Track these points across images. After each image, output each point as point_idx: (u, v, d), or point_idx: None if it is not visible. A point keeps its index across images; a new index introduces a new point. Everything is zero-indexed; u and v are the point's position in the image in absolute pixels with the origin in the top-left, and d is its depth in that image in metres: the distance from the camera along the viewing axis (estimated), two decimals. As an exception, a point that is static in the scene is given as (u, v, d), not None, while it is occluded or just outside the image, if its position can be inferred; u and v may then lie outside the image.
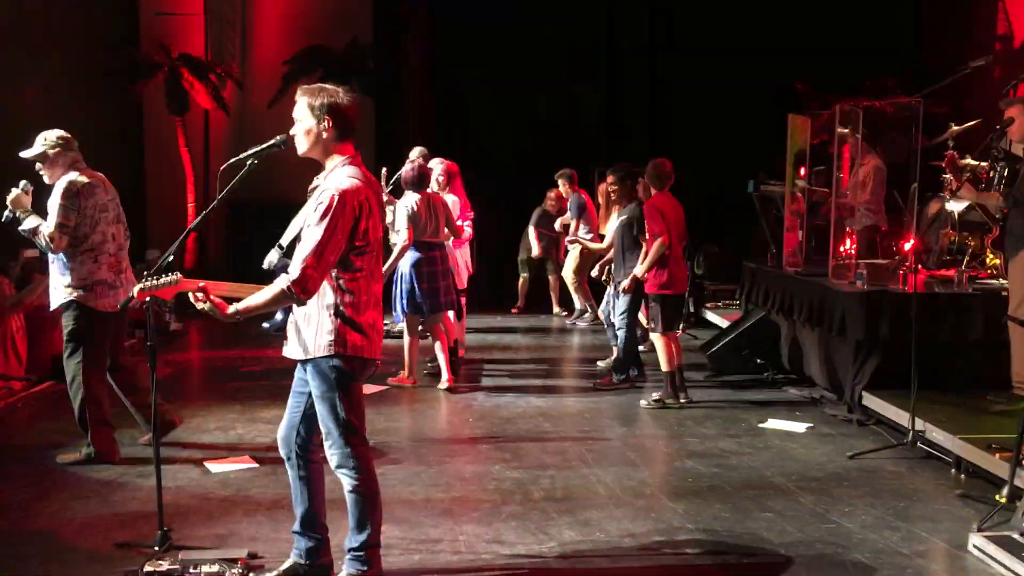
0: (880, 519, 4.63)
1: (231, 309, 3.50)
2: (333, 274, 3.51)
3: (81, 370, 5.32)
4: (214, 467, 5.39)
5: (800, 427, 6.33)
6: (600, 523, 4.58)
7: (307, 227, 3.45)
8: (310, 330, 3.56)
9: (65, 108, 13.33)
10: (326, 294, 3.53)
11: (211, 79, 13.86)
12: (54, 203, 5.19)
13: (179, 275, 3.53)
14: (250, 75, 14.93)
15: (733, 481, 5.24)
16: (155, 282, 3.55)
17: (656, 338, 6.94)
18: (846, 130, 7.93)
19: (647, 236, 7.06)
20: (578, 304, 10.81)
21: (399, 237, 7.22)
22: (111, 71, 13.54)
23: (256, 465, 5.43)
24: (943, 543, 4.35)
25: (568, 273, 10.60)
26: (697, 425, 6.43)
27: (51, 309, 5.44)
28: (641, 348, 8.07)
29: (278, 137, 3.68)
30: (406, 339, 7.50)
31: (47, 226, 5.17)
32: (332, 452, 3.64)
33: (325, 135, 3.56)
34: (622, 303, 7.34)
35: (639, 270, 6.95)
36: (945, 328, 6.50)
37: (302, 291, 3.42)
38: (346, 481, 3.67)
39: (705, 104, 14.99)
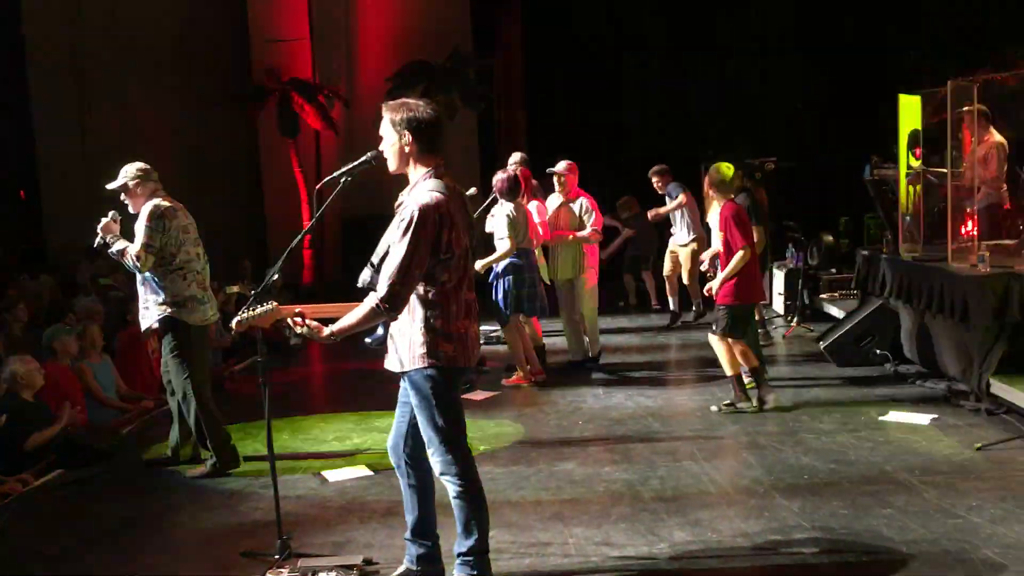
0: (1011, 513, 4.41)
1: (327, 331, 3.61)
2: (420, 287, 3.57)
3: (190, 385, 5.62)
4: (332, 476, 5.57)
5: (924, 419, 6.08)
6: (711, 523, 4.52)
7: (392, 244, 3.52)
8: (404, 343, 3.65)
9: (184, 137, 14.06)
10: (415, 308, 3.59)
11: (320, 100, 14.32)
12: (140, 226, 5.53)
13: (274, 303, 3.66)
14: (356, 93, 15.32)
15: (851, 477, 5.08)
16: (251, 313, 3.69)
17: (715, 341, 6.58)
18: (964, 108, 7.56)
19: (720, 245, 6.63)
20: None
21: (501, 245, 7.40)
22: (227, 98, 14.17)
23: (371, 473, 5.57)
24: (1080, 537, 4.11)
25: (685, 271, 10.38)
26: (813, 420, 6.25)
27: (144, 329, 5.75)
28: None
29: (369, 154, 3.78)
30: (510, 340, 7.69)
31: (134, 247, 5.49)
32: (435, 460, 3.72)
33: (407, 149, 3.63)
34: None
35: (716, 283, 6.55)
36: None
37: (391, 308, 3.50)
38: (451, 488, 3.73)
39: (812, 86, 14.62)
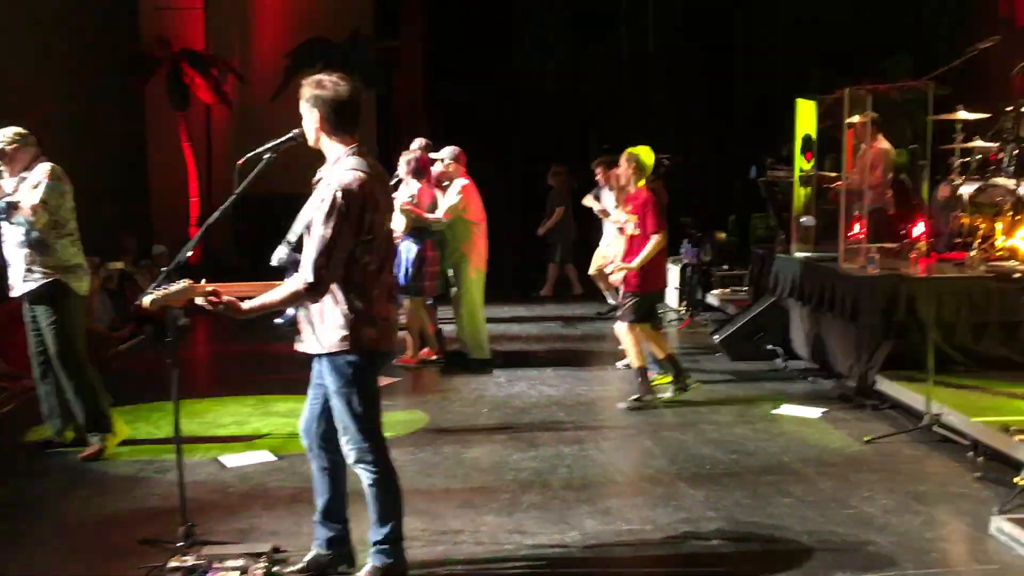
0: (901, 503, 4.63)
1: (245, 306, 3.49)
2: (342, 269, 3.47)
3: (79, 355, 5.43)
4: (230, 461, 5.39)
5: (815, 412, 6.32)
6: (621, 511, 4.59)
7: (313, 225, 3.42)
8: (323, 326, 3.55)
9: (66, 103, 13.34)
10: (336, 290, 3.50)
11: (212, 73, 13.84)
12: (34, 184, 5.25)
13: (188, 281, 3.51)
14: (251, 69, 14.88)
15: (751, 468, 5.24)
16: (165, 292, 3.52)
17: (623, 330, 6.59)
18: (855, 119, 7.87)
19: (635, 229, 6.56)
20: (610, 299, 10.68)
21: (400, 222, 7.40)
22: (112, 66, 13.50)
23: (273, 458, 5.43)
24: (965, 526, 4.35)
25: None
26: (711, 412, 6.42)
27: (20, 294, 5.41)
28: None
29: (295, 131, 3.65)
30: (418, 319, 7.84)
31: (28, 201, 5.20)
32: (349, 448, 3.63)
33: (318, 126, 3.54)
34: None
35: (632, 265, 6.47)
36: (959, 310, 6.50)
37: (316, 291, 3.41)
38: (365, 476, 3.66)
39: (705, 88, 15.03)
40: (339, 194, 3.38)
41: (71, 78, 13.24)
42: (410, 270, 7.55)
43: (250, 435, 5.94)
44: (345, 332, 3.51)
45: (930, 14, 13.50)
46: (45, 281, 5.33)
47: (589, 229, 10.50)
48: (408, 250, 7.56)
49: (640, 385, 6.60)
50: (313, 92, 3.52)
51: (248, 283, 3.76)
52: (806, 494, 4.79)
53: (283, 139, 3.68)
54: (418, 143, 8.34)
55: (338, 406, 3.61)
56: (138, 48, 14.06)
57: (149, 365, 8.11)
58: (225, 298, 3.49)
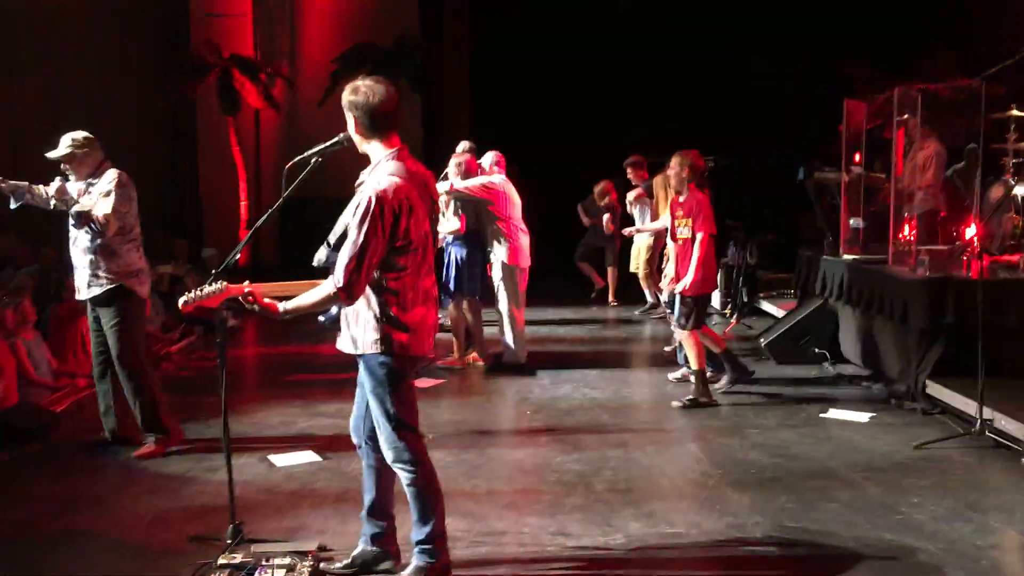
0: (951, 510, 4.56)
1: (281, 308, 3.55)
2: (377, 273, 3.51)
3: (141, 358, 5.58)
4: (279, 461, 5.47)
5: (863, 417, 6.24)
6: (665, 515, 4.57)
7: (349, 230, 3.46)
8: (359, 327, 3.60)
9: (121, 109, 13.62)
10: (371, 294, 3.54)
11: (261, 78, 14.06)
12: (104, 191, 5.37)
13: (224, 283, 3.56)
14: (300, 73, 15.08)
15: (797, 472, 5.18)
16: (198, 293, 3.58)
17: (685, 336, 6.64)
18: (904, 117, 7.75)
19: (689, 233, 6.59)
20: (649, 297, 10.68)
21: (453, 222, 7.48)
22: (164, 73, 13.78)
23: (319, 459, 5.50)
24: (1019, 535, 4.27)
25: (640, 264, 10.43)
26: (757, 416, 6.37)
27: (88, 298, 5.54)
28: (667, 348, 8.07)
29: (342, 135, 3.69)
30: (464, 321, 7.94)
31: (101, 210, 5.32)
32: (386, 447, 3.68)
33: (356, 130, 3.59)
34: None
35: (688, 278, 6.50)
36: (1011, 314, 6.37)
37: (347, 295, 3.45)
38: (403, 476, 3.70)
39: (754, 88, 14.90)
40: (373, 200, 3.41)
41: (124, 83, 13.52)
42: (458, 273, 7.62)
43: (297, 435, 6.02)
44: (377, 335, 3.56)
45: (980, 12, 13.26)
46: (111, 286, 5.46)
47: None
48: (457, 250, 7.63)
49: (698, 387, 6.57)
50: (349, 98, 3.57)
51: (286, 283, 3.81)
52: (853, 500, 4.73)
53: (330, 143, 3.73)
54: (464, 146, 8.41)
55: (374, 406, 3.67)
56: (189, 54, 14.33)
57: (200, 366, 8.27)
58: (264, 300, 3.56)
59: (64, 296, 7.98)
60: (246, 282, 3.62)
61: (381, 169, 3.55)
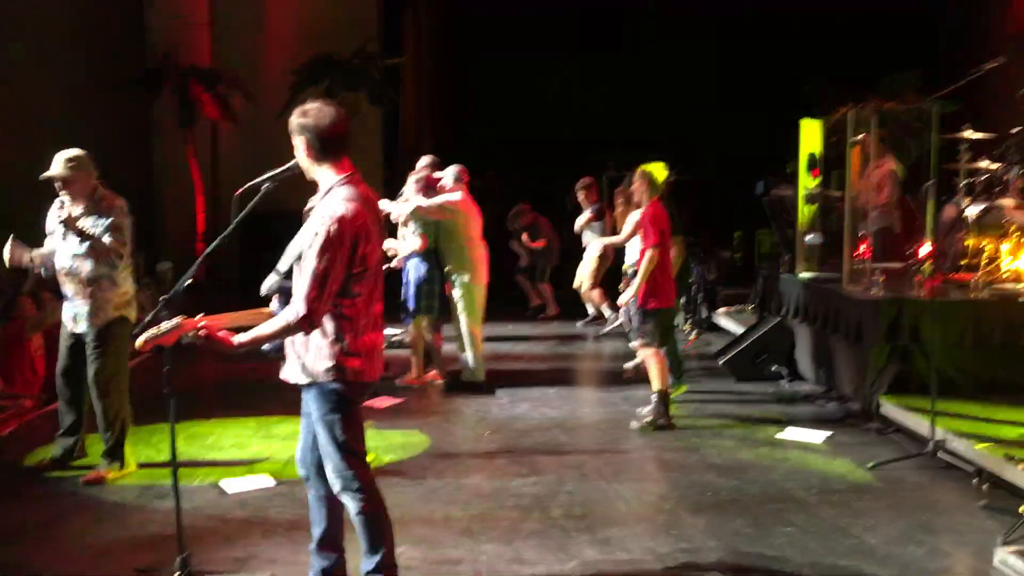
0: (904, 533, 4.59)
1: (236, 340, 3.49)
2: (333, 301, 3.46)
3: (124, 384, 5.51)
4: (231, 486, 5.37)
5: (819, 436, 6.27)
6: (621, 541, 4.55)
7: (306, 258, 3.40)
8: (309, 355, 3.54)
9: (74, 120, 13.38)
10: (325, 320, 3.49)
11: (219, 90, 13.87)
12: (112, 221, 5.29)
13: (179, 319, 3.50)
14: (259, 85, 14.89)
15: (753, 494, 5.19)
16: (156, 331, 3.52)
17: (648, 355, 6.57)
18: (859, 136, 7.84)
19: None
20: (591, 310, 10.75)
21: (413, 241, 7.43)
22: (119, 82, 13.55)
23: (274, 483, 5.41)
24: (969, 557, 4.31)
25: (584, 278, 10.46)
26: (714, 436, 6.38)
27: (96, 326, 5.38)
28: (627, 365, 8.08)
29: (293, 161, 3.63)
30: (422, 340, 7.84)
31: (111, 240, 5.26)
32: (333, 476, 3.61)
33: (305, 155, 3.53)
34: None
35: (632, 290, 6.54)
36: (964, 333, 6.45)
37: (309, 324, 3.40)
38: (351, 504, 3.64)
39: (712, 105, 15.04)
40: (333, 228, 3.36)
41: (78, 94, 13.30)
42: (417, 291, 7.55)
43: (250, 459, 5.92)
44: (331, 363, 3.51)
45: (942, 31, 13.50)
46: (114, 317, 5.35)
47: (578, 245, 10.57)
48: (416, 269, 7.56)
49: (656, 408, 6.50)
50: (298, 121, 3.51)
51: (241, 313, 3.75)
52: (808, 523, 4.75)
53: (281, 170, 3.68)
54: (425, 161, 8.36)
55: (321, 434, 3.60)
56: (145, 64, 14.11)
57: (153, 385, 8.08)
58: (219, 334, 3.50)
59: (12, 316, 7.81)
60: (200, 315, 3.55)
61: (336, 195, 3.48)
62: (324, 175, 3.55)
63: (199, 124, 14.09)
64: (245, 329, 3.52)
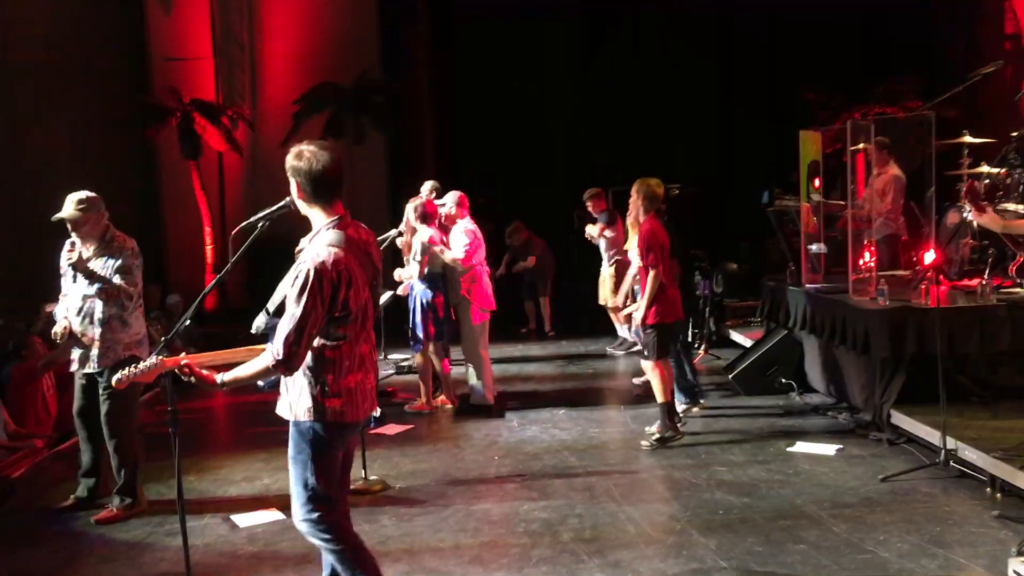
0: (916, 546, 4.55)
1: (219, 379, 3.51)
2: (315, 342, 3.46)
3: (133, 427, 5.57)
4: (241, 520, 5.39)
5: (830, 449, 6.24)
6: (631, 563, 4.53)
7: (287, 301, 3.41)
8: (293, 393, 3.55)
9: (81, 157, 13.52)
10: (308, 361, 3.49)
11: (223, 122, 13.98)
12: (124, 264, 5.36)
13: (159, 358, 3.53)
14: (262, 115, 15.04)
15: (765, 512, 5.16)
16: (133, 370, 3.55)
17: (649, 367, 6.59)
18: (860, 146, 7.84)
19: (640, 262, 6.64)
20: (620, 332, 10.61)
21: (412, 267, 7.45)
22: (124, 119, 13.69)
23: (283, 517, 5.40)
24: (982, 569, 4.26)
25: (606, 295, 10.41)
26: (724, 452, 6.35)
27: (106, 366, 5.40)
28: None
29: (288, 199, 3.66)
30: (431, 365, 7.82)
31: (124, 284, 5.33)
32: (300, 520, 3.59)
33: (298, 196, 3.55)
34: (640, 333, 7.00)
35: (640, 309, 6.55)
36: (971, 340, 6.41)
37: (287, 368, 3.40)
38: (322, 547, 3.62)
39: (713, 116, 15.05)
40: (312, 273, 3.36)
41: (84, 133, 13.43)
42: (424, 317, 7.59)
43: (261, 493, 5.93)
44: (310, 403, 3.51)
45: (939, 34, 13.49)
46: (124, 357, 5.35)
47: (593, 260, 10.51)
48: (422, 295, 7.59)
49: (663, 422, 6.52)
50: (292, 163, 3.53)
51: (225, 351, 3.76)
52: (820, 539, 4.72)
53: (275, 208, 3.71)
54: (427, 187, 8.43)
55: (293, 473, 3.59)
56: (149, 100, 14.25)
57: (163, 419, 8.12)
58: (197, 371, 3.53)
59: (24, 355, 7.86)
60: (183, 354, 3.58)
61: (320, 239, 3.49)
62: (315, 217, 3.56)
63: (204, 156, 14.19)
64: (232, 366, 3.53)
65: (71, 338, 5.47)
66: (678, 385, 7.11)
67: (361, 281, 3.49)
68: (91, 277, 5.29)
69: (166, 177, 15.06)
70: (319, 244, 3.46)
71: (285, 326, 3.37)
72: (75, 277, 5.39)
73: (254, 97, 15.18)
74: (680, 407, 7.15)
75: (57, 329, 5.44)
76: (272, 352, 3.40)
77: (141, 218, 14.82)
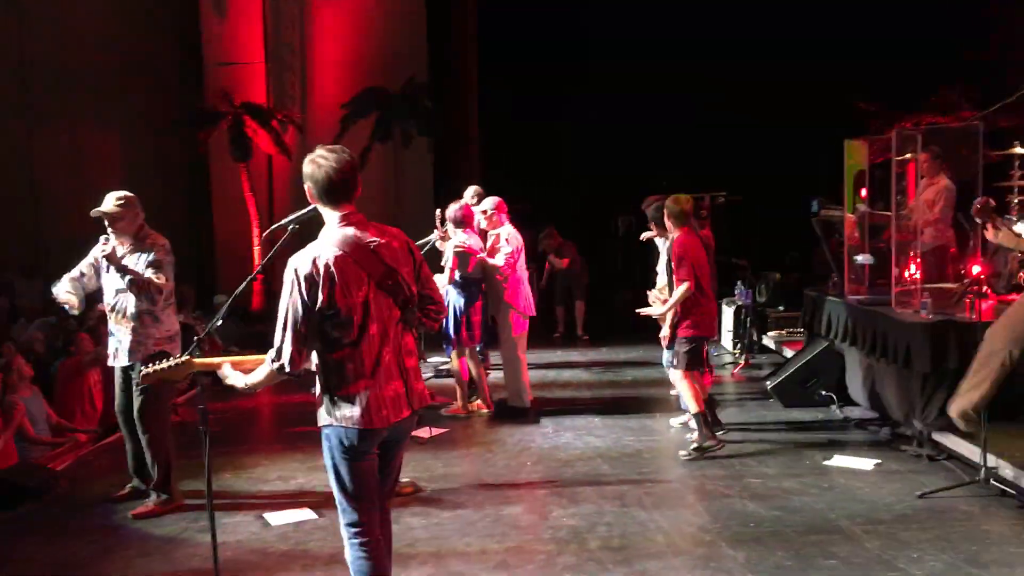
0: (951, 565, 4.46)
1: (240, 384, 3.58)
2: (319, 345, 3.48)
3: (166, 422, 5.69)
4: (274, 518, 5.46)
5: (867, 464, 6.14)
6: (657, 574, 4.50)
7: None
8: (318, 399, 3.60)
9: (135, 159, 13.84)
10: (319, 366, 3.52)
11: (273, 125, 14.22)
12: (154, 260, 5.48)
13: (188, 357, 3.59)
14: (311, 119, 15.25)
15: (796, 525, 5.09)
16: (159, 367, 3.61)
17: (678, 377, 6.55)
18: (908, 156, 7.71)
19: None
20: None
21: (443, 275, 7.47)
22: (177, 121, 13.99)
23: (316, 517, 5.47)
24: (1017, 591, 4.16)
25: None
26: (759, 464, 6.28)
27: (137, 361, 5.51)
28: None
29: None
30: (467, 369, 7.84)
31: (155, 279, 5.43)
32: (340, 520, 3.64)
33: (311, 199, 3.59)
34: (667, 352, 6.93)
35: (660, 315, 6.60)
36: (1015, 356, 6.24)
37: (282, 367, 3.43)
38: (346, 541, 3.63)
39: (764, 126, 14.89)
40: (289, 272, 3.43)
41: (141, 133, 13.76)
42: (456, 321, 7.63)
43: (295, 491, 6.00)
44: (323, 407, 3.53)
45: (997, 45, 13.22)
46: (155, 351, 5.44)
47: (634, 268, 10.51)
48: (455, 300, 7.63)
49: (700, 431, 6.47)
50: (306, 168, 3.58)
51: (252, 357, 3.81)
52: (852, 555, 4.64)
53: (303, 212, 3.75)
54: (470, 192, 8.48)
55: (329, 475, 3.62)
56: (202, 104, 14.54)
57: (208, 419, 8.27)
58: (225, 374, 3.61)
59: (72, 350, 8.06)
60: (222, 354, 3.65)
61: (321, 237, 3.54)
62: (326, 215, 3.60)
63: (254, 159, 14.43)
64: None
65: (102, 327, 5.60)
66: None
67: (353, 280, 3.44)
68: (123, 271, 5.42)
69: (216, 179, 15.38)
70: (314, 244, 3.51)
71: (276, 325, 3.43)
72: (108, 270, 5.53)
73: (304, 101, 15.40)
74: (680, 420, 7.22)
75: (59, 296, 5.53)
76: (269, 354, 3.46)
77: (191, 219, 15.15)
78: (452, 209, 7.75)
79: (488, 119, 15.46)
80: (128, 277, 5.41)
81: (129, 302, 5.49)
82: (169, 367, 3.61)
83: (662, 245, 7.90)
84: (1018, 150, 7.42)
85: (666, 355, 7.02)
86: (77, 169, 13.09)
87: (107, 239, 5.52)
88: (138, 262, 5.49)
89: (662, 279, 7.09)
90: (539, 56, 14.65)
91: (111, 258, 5.42)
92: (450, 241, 7.65)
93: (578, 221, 13.10)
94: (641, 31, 14.92)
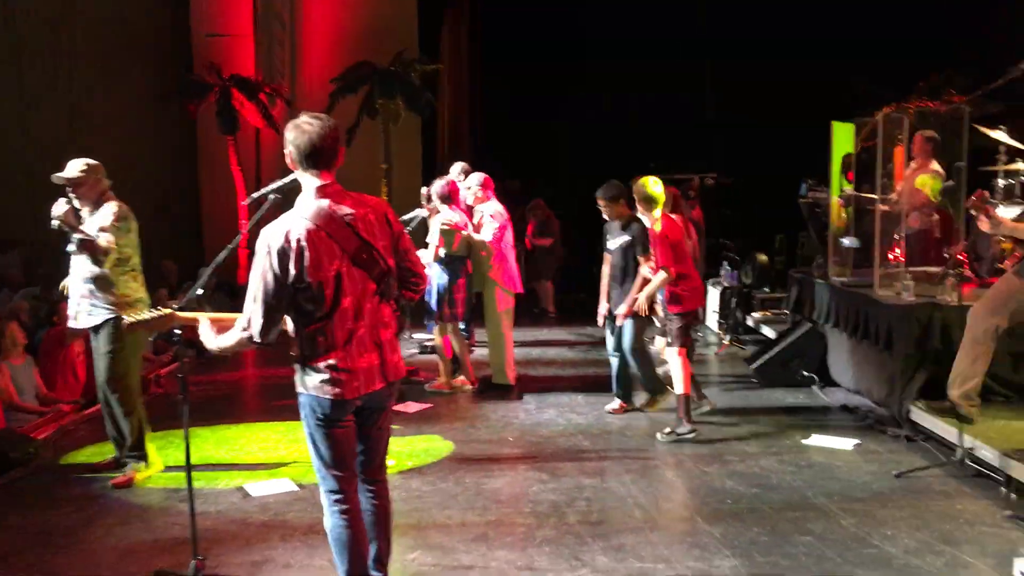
0: (924, 543, 4.51)
1: (212, 346, 3.56)
2: (293, 314, 3.49)
3: (131, 386, 5.67)
4: (254, 489, 5.48)
5: (846, 444, 6.19)
6: (634, 548, 4.53)
7: None
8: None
9: (126, 130, 13.72)
10: (294, 337, 3.53)
11: (261, 98, 14.11)
12: (103, 224, 5.45)
13: (169, 310, 3.60)
14: (299, 93, 15.14)
15: (773, 502, 5.14)
16: (141, 316, 3.63)
17: (673, 354, 6.47)
18: (901, 137, 7.72)
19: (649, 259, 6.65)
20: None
21: (427, 252, 7.40)
22: (165, 93, 13.87)
23: (296, 488, 5.49)
24: (989, 568, 4.22)
25: None
26: (739, 443, 6.32)
27: (84, 327, 5.61)
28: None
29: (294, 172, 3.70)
30: (450, 345, 7.87)
31: (102, 241, 5.40)
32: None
33: (290, 165, 3.57)
34: (628, 332, 6.89)
35: (640, 299, 6.60)
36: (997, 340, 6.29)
37: (251, 337, 3.43)
38: (325, 509, 3.66)
39: (753, 106, 14.87)
40: (260, 243, 3.42)
41: (129, 105, 13.63)
42: (439, 297, 7.63)
43: (275, 463, 6.02)
44: (298, 376, 3.55)
45: (991, 28, 13.19)
46: (107, 316, 5.51)
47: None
48: (439, 276, 7.63)
49: (679, 413, 6.41)
50: (289, 133, 3.56)
51: (233, 315, 3.81)
52: (827, 532, 4.69)
53: (284, 181, 3.76)
54: (456, 168, 8.48)
55: (308, 446, 3.65)
56: (190, 75, 14.42)
57: (189, 390, 8.27)
58: (201, 331, 3.60)
59: (55, 320, 8.03)
60: (199, 313, 3.65)
61: (295, 208, 3.52)
62: (304, 182, 3.57)
63: (242, 133, 14.34)
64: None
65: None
66: (642, 382, 7.13)
67: (326, 254, 3.42)
68: (72, 229, 5.42)
69: (204, 152, 15.28)
70: (285, 216, 3.49)
71: (247, 297, 3.44)
72: (68, 235, 5.51)
73: (293, 75, 15.28)
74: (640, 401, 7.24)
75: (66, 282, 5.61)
76: (239, 321, 3.46)
77: (178, 192, 15.06)
78: (438, 185, 7.74)
79: (486, 119, 15.42)
80: (77, 236, 5.40)
81: (85, 265, 5.49)
82: (152, 318, 3.62)
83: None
84: (999, 135, 7.42)
85: (610, 339, 7.05)
86: (76, 143, 12.98)
87: (68, 202, 5.52)
88: (92, 224, 5.49)
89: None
90: (537, 56, 14.61)
91: (64, 217, 5.43)
92: (436, 217, 7.65)
93: (578, 221, 13.07)
94: (639, 31, 14.83)
